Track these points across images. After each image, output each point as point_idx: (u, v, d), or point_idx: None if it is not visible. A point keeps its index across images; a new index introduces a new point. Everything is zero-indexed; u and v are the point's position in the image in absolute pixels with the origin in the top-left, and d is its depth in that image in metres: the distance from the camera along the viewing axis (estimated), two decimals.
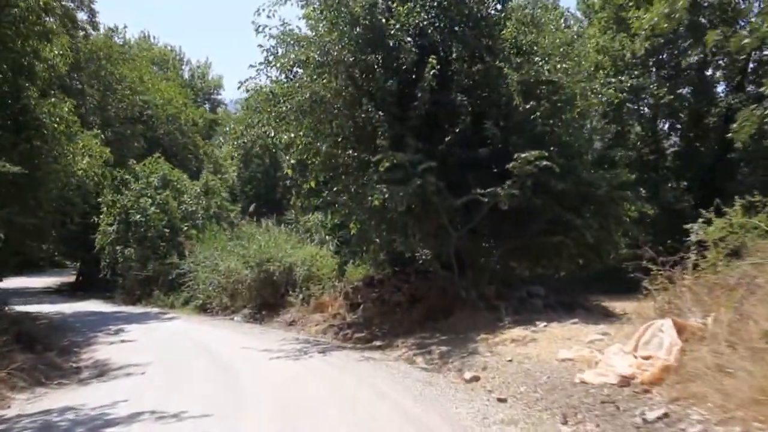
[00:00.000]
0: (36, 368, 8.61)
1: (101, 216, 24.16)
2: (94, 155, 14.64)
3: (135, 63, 30.96)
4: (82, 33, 21.39)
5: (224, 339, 12.50)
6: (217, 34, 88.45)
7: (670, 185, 21.95)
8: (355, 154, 12.27)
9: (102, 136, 16.92)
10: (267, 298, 16.64)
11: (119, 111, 24.47)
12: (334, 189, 13.17)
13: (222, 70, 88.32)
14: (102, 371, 9.15)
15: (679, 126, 24.56)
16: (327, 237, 18.32)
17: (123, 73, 24.54)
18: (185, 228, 22.68)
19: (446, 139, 11.39)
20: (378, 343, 11.20)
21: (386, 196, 10.43)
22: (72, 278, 37.46)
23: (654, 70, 23.44)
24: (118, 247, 22.93)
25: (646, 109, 24.02)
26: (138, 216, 22.49)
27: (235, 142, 12.33)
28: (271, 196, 31.54)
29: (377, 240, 13.36)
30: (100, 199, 23.95)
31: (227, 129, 13.48)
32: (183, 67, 40.98)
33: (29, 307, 21.06)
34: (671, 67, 23.04)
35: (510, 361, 7.63)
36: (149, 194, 23.03)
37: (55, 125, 12.25)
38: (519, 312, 11.11)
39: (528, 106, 11.62)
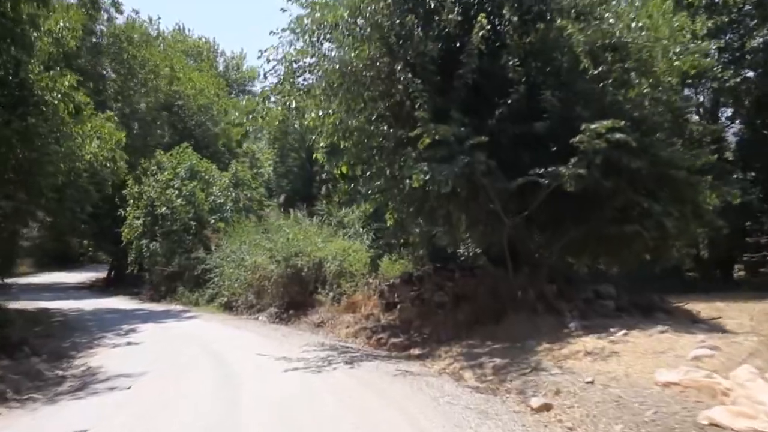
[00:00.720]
0: (4, 379, 7.25)
1: (128, 209, 23.16)
2: (103, 137, 13.34)
3: (166, 53, 30.04)
4: (105, 16, 20.38)
5: (240, 343, 11.01)
6: (252, 25, 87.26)
7: (735, 177, 19.58)
8: (391, 130, 10.64)
9: (115, 118, 15.60)
10: (294, 296, 15.14)
11: (141, 96, 23.30)
12: (368, 173, 11.57)
13: (257, 62, 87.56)
14: (85, 383, 7.73)
15: (743, 112, 22.06)
16: (361, 229, 16.74)
17: (146, 56, 23.36)
18: (213, 221, 21.42)
19: (497, 112, 9.62)
20: (417, 351, 9.52)
21: (427, 176, 8.71)
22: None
23: (716, 51, 21.00)
24: (143, 241, 21.84)
25: (706, 94, 21.63)
26: (164, 208, 21.35)
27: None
28: (308, 191, 30.29)
29: (416, 230, 11.68)
30: (125, 191, 22.98)
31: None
32: (217, 58, 40.12)
33: (53, 304, 20.22)
34: (735, 49, 20.56)
35: (590, 383, 5.83)
36: (176, 185, 21.86)
37: (56, 102, 10.96)
38: (586, 316, 9.26)
39: (596, 72, 9.75)
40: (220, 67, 39.83)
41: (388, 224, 12.90)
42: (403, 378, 7.39)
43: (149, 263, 22.19)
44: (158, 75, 24.30)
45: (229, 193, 23.00)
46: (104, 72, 21.09)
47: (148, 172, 22.76)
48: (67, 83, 11.13)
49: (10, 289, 28.70)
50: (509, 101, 9.57)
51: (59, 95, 11.07)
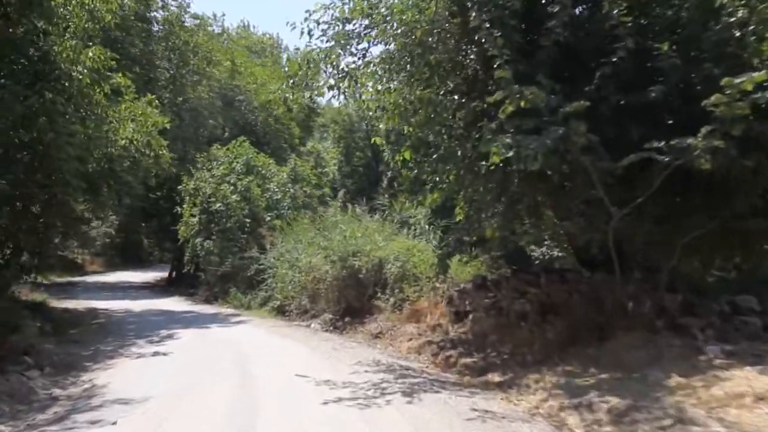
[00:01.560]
0: None
1: (183, 205, 22.19)
2: (137, 119, 11.99)
3: (228, 47, 29.20)
4: (159, 3, 19.44)
5: (282, 358, 9.27)
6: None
7: None
8: (463, 100, 8.68)
9: (157, 102, 14.32)
10: (351, 301, 13.38)
11: (194, 84, 22.20)
12: (434, 156, 9.65)
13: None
14: (73, 408, 6.18)
15: None
16: (427, 226, 14.81)
17: (198, 42, 22.23)
18: (268, 218, 20.05)
19: (596, 75, 7.45)
20: (496, 376, 7.44)
21: (511, 151, 6.67)
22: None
23: None
24: (198, 240, 20.74)
25: None
26: (218, 204, 20.17)
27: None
28: (374, 192, 28.74)
29: (493, 224, 9.62)
30: (180, 186, 22.03)
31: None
32: (281, 54, 39.18)
33: (105, 303, 19.40)
34: None
35: None
36: (231, 180, 20.65)
37: (80, 77, 9.65)
38: (726, 337, 6.95)
39: (733, 19, 7.41)
40: (284, 64, 38.83)
41: (457, 219, 10.97)
42: (482, 424, 5.35)
43: (204, 263, 21.08)
44: (211, 62, 23.18)
45: (287, 189, 21.59)
46: (156, 60, 20.02)
47: (204, 167, 21.68)
48: (91, 54, 9.81)
49: (75, 287, 28.73)
50: (613, 59, 7.38)
51: (84, 70, 9.75)
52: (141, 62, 18.58)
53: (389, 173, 23.44)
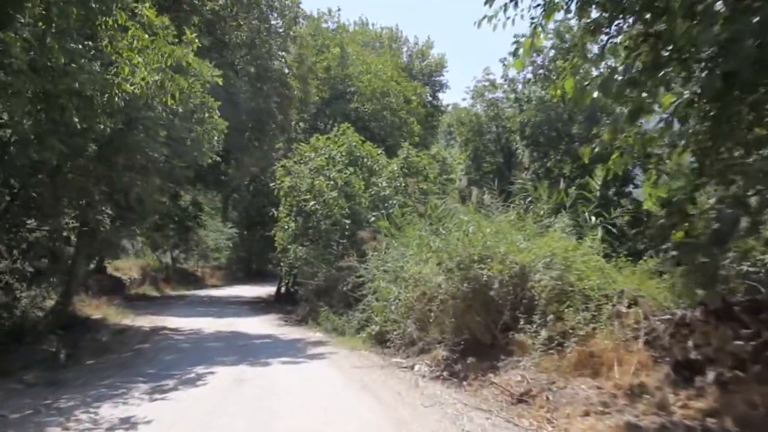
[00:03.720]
0: None
1: (280, 207, 18.71)
2: (158, 53, 8.05)
3: (338, 33, 25.86)
4: None
5: None
6: (438, 9, 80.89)
7: None
8: None
9: (210, 63, 10.67)
10: (476, 332, 8.63)
11: (277, 50, 18.45)
12: None
13: (444, 48, 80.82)
14: None
15: None
16: (592, 218, 9.67)
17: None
18: (372, 219, 15.84)
19: None
20: None
21: None
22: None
23: None
24: (290, 247, 17.08)
25: None
26: (312, 203, 16.36)
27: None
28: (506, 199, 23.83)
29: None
30: (274, 184, 18.60)
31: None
32: (401, 47, 35.44)
33: (184, 321, 16.31)
34: None
35: None
36: (330, 174, 16.76)
37: None
38: None
39: None
40: (404, 58, 35.05)
41: (645, 206, 6.09)
42: None
43: (300, 275, 17.34)
44: (296, 19, 19.39)
45: (398, 184, 17.28)
46: (227, 38, 16.58)
47: (302, 161, 18.06)
48: None
49: (176, 302, 26.67)
50: None
51: None
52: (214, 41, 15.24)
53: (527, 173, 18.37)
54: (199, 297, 28.70)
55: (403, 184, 17.35)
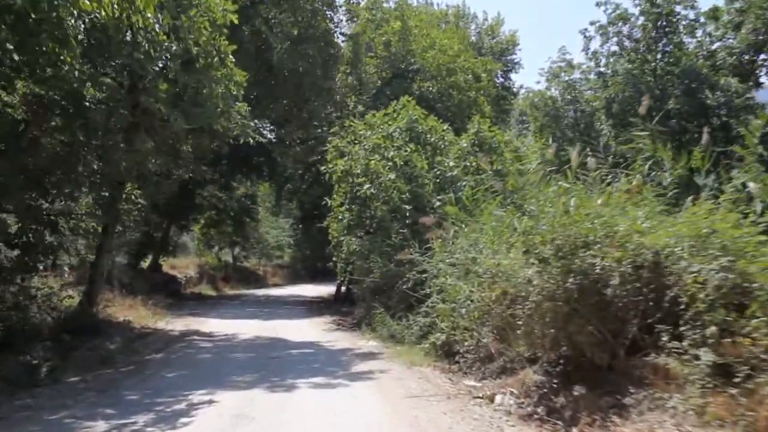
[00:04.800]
0: None
1: (333, 195, 16.43)
2: None
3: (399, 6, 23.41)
4: None
5: None
6: None
7: None
8: None
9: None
10: (584, 348, 5.92)
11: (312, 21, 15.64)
12: None
13: (516, 25, 74.84)
14: None
15: None
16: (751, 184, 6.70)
17: None
18: (438, 204, 13.26)
19: None
20: None
21: None
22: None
23: None
24: (343, 239, 14.77)
25: None
26: (367, 186, 13.97)
27: None
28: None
29: None
30: (325, 168, 16.35)
31: None
32: (468, 24, 32.53)
33: (225, 323, 14.44)
34: None
35: None
36: (388, 154, 14.31)
37: None
38: None
39: None
40: (472, 36, 32.08)
41: None
42: None
43: (355, 271, 14.99)
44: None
45: (468, 164, 14.60)
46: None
47: (357, 141, 15.70)
48: None
49: (229, 301, 25.00)
50: None
51: None
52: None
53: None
54: (256, 297, 27.10)
55: (474, 163, 14.67)
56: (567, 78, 30.39)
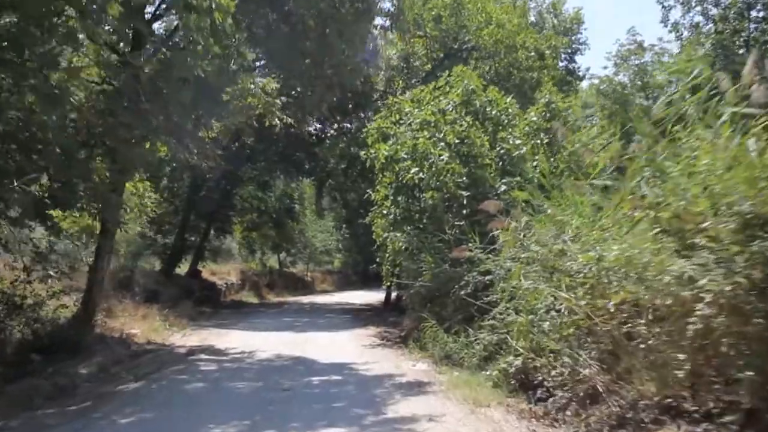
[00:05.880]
0: None
1: (377, 186, 13.97)
2: None
3: None
4: None
5: None
6: None
7: None
8: None
9: None
10: None
11: None
12: None
13: (580, 2, 69.57)
14: None
15: None
16: None
17: None
18: (503, 187, 10.60)
19: None
20: None
21: None
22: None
23: None
24: (388, 234, 12.31)
25: None
26: (414, 170, 11.47)
27: None
28: None
29: None
30: (364, 153, 13.90)
31: None
32: (527, 2, 29.57)
33: (250, 336, 12.34)
34: None
35: None
36: (440, 131, 11.75)
37: None
38: None
39: None
40: (531, 16, 29.09)
41: None
42: None
43: (403, 273, 12.47)
44: None
45: (539, 141, 11.88)
46: None
47: (399, 120, 13.22)
48: None
49: (267, 309, 22.89)
50: None
51: None
52: None
53: None
54: (300, 304, 24.99)
55: (545, 140, 11.94)
56: (638, 61, 27.44)
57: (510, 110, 12.54)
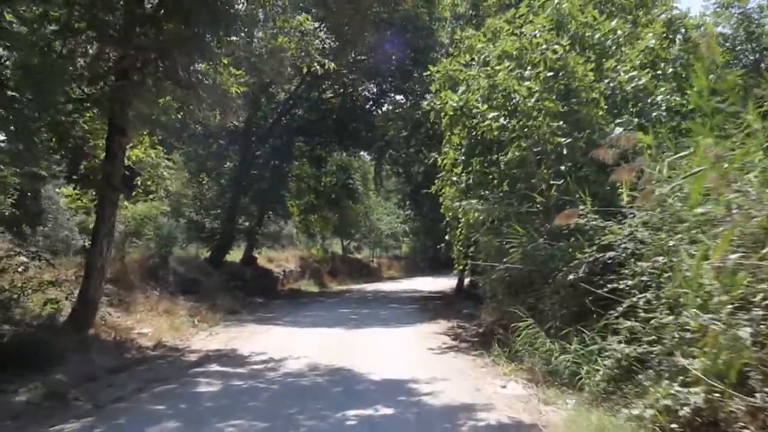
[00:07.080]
0: None
1: (444, 148, 11.21)
2: None
3: None
4: None
5: None
6: None
7: None
8: None
9: None
10: None
11: None
12: None
13: None
14: None
15: None
16: None
17: None
18: (618, 130, 7.60)
19: None
20: None
21: None
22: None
23: None
24: (457, 204, 9.53)
25: None
26: (492, 115, 8.62)
27: None
28: None
29: None
30: (427, 103, 11.12)
31: None
32: None
33: (289, 332, 10.07)
34: None
35: None
36: (527, 60, 8.82)
37: None
38: None
39: None
40: None
41: None
42: None
43: (480, 253, 9.66)
44: None
45: (661, 72, 8.74)
46: None
47: (469, 62, 10.35)
48: None
49: (324, 299, 20.55)
50: None
51: None
52: None
53: None
54: (363, 293, 22.69)
55: (673, 69, 8.80)
56: (741, 8, 23.38)
57: (619, 32, 9.42)
